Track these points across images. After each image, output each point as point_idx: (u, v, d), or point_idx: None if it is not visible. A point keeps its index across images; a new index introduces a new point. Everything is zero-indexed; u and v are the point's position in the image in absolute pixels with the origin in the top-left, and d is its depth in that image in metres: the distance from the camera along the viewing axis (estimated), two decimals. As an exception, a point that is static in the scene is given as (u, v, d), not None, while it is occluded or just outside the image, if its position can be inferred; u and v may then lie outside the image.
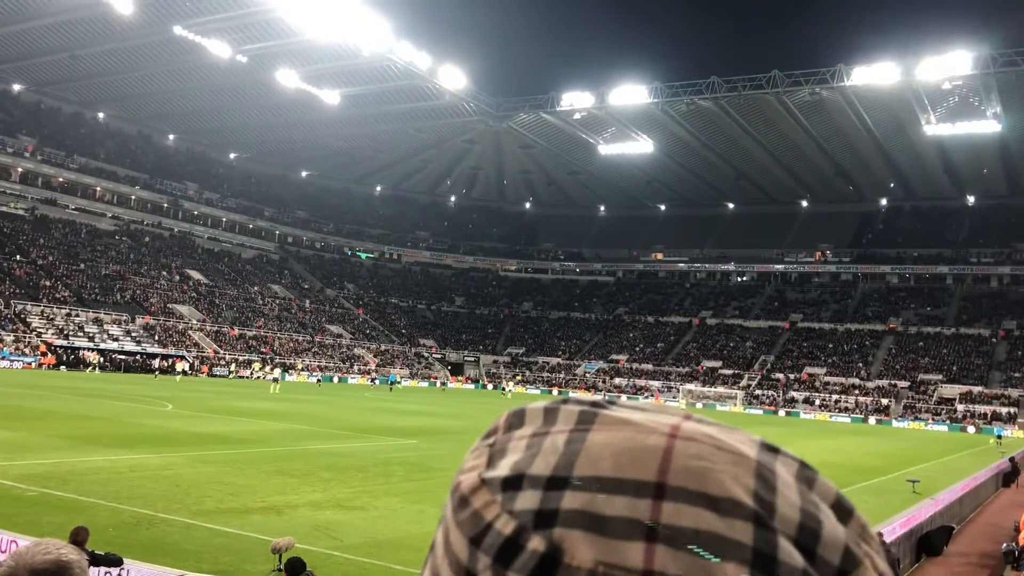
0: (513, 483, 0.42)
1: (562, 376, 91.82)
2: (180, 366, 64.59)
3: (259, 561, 11.20)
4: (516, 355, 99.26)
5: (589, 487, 0.40)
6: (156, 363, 64.55)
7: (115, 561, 8.76)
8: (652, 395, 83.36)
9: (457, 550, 0.42)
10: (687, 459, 0.42)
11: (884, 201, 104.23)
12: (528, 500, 0.41)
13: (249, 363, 72.85)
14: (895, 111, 74.92)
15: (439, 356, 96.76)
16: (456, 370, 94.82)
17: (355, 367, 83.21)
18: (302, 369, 75.32)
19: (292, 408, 39.87)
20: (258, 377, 55.97)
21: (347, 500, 17.13)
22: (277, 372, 61.09)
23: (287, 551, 9.41)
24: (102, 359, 62.92)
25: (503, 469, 0.43)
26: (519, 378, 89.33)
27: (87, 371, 59.80)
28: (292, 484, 18.53)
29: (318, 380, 72.21)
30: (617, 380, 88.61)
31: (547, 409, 0.46)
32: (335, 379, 76.64)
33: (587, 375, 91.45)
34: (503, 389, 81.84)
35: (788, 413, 74.95)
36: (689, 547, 0.39)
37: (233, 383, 61.45)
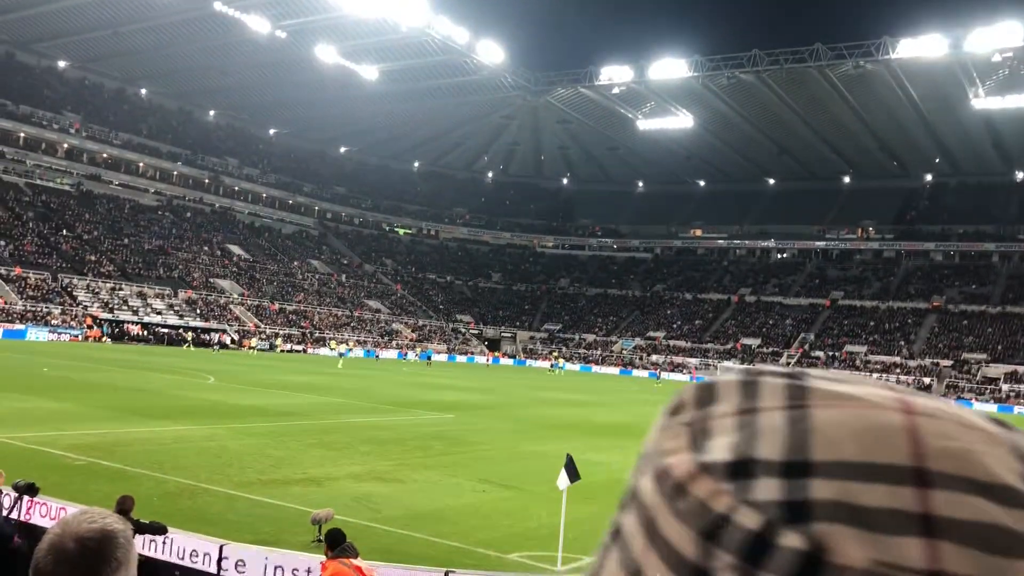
0: (741, 469, 0.37)
1: (598, 352, 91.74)
2: (254, 341, 67.96)
3: (299, 532, 11.39)
4: (553, 331, 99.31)
5: (837, 474, 0.35)
6: (216, 337, 67.35)
7: (159, 529, 8.94)
8: (689, 372, 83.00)
9: (678, 544, 0.37)
10: (938, 439, 0.37)
11: (929, 177, 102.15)
12: (768, 490, 0.36)
13: (286, 337, 73.98)
14: (942, 84, 73.18)
15: (476, 332, 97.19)
16: (493, 346, 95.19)
17: (394, 342, 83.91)
18: (343, 343, 76.24)
19: (332, 382, 40.33)
20: (341, 354, 60.12)
21: (386, 473, 17.32)
22: (343, 347, 64.04)
23: (327, 522, 9.54)
24: (192, 334, 65.88)
25: (721, 452, 0.38)
26: (555, 355, 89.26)
27: (184, 347, 62.12)
28: (332, 457, 18.78)
29: (376, 356, 73.94)
30: (654, 357, 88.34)
31: (743, 383, 0.43)
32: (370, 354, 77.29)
33: (624, 352, 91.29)
34: (553, 366, 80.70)
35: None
36: (977, 543, 0.34)
37: (299, 359, 62.31)
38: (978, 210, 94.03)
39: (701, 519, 0.36)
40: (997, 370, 73.98)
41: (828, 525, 0.34)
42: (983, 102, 74.90)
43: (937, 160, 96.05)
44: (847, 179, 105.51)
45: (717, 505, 0.36)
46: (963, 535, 0.34)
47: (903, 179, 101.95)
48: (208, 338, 66.94)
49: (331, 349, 67.80)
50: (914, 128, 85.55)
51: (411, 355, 77.92)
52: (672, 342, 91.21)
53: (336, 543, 7.68)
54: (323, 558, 7.88)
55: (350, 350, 69.55)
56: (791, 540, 0.34)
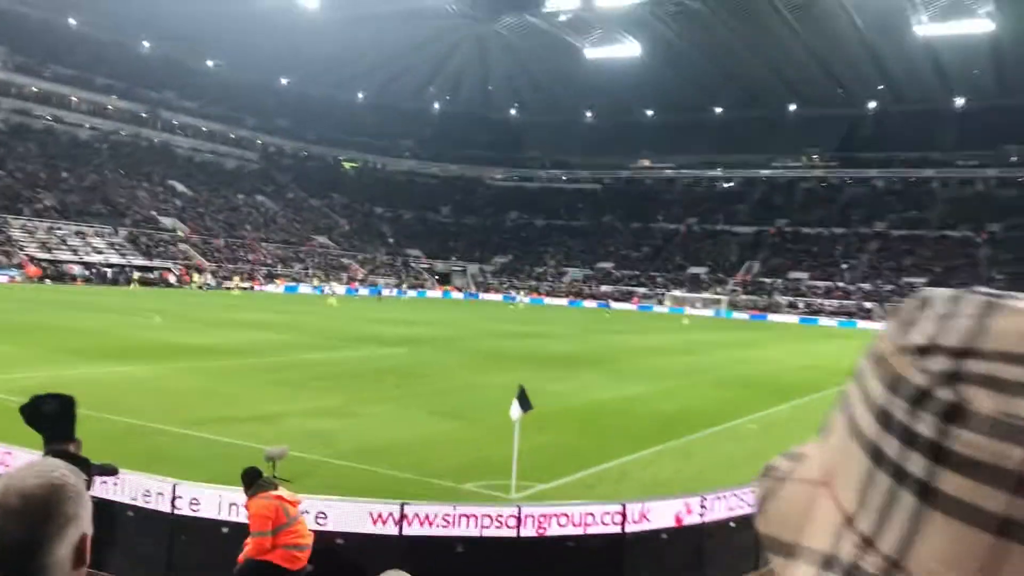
0: (925, 350, 0.51)
1: (549, 284, 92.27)
2: (196, 277, 67.87)
3: (254, 468, 11.38)
4: (503, 264, 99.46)
5: (991, 358, 0.49)
6: (235, 281, 67.45)
7: (110, 471, 8.85)
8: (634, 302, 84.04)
9: (874, 394, 0.52)
10: None
11: (872, 104, 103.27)
12: (938, 363, 0.50)
13: (232, 273, 72.93)
14: (886, 11, 73.53)
15: (426, 266, 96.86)
16: (444, 279, 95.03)
17: (344, 277, 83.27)
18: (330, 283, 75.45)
19: (282, 319, 40.03)
20: (331, 293, 60.60)
21: (339, 408, 17.36)
22: (338, 287, 64.59)
23: (281, 459, 9.55)
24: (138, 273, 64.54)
25: (916, 338, 0.52)
26: (506, 286, 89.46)
27: (130, 287, 60.83)
28: (285, 393, 18.74)
29: (378, 294, 73.67)
30: (604, 287, 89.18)
31: (952, 296, 0.54)
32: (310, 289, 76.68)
33: (574, 282, 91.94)
34: (513, 300, 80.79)
35: (760, 318, 75.79)
36: None
37: (250, 296, 61.45)
38: (920, 137, 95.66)
39: (889, 377, 0.52)
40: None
41: (970, 387, 0.48)
42: (926, 28, 75.48)
43: (881, 88, 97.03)
44: (793, 107, 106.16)
45: (901, 369, 0.51)
46: None
47: (847, 107, 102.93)
48: (153, 276, 65.83)
49: (323, 287, 69.04)
50: (858, 55, 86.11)
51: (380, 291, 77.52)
52: (621, 272, 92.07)
53: (251, 481, 7.69)
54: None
55: (352, 289, 71.75)
56: (944, 393, 0.49)
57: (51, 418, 5.95)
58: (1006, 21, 72.17)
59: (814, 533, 0.55)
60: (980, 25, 73.14)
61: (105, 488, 9.06)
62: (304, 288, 73.88)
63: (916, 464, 0.49)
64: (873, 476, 0.52)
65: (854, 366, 0.57)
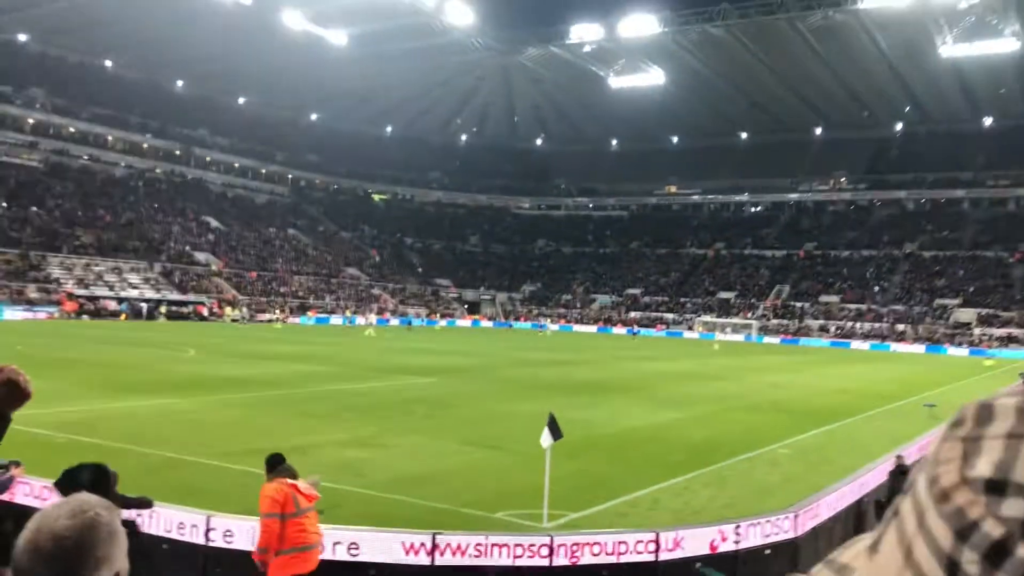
0: (996, 487, 0.45)
1: (577, 311, 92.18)
2: (228, 310, 68.80)
3: (287, 499, 11.47)
4: (532, 292, 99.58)
5: None
6: (277, 314, 69.01)
7: (146, 503, 8.98)
8: (665, 326, 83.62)
9: (939, 537, 0.46)
10: None
11: (899, 126, 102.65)
12: (1015, 508, 0.44)
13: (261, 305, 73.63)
14: (910, 33, 73.25)
15: (456, 295, 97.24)
16: (473, 308, 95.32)
17: (375, 307, 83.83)
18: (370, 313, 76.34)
19: (313, 351, 40.31)
20: (367, 323, 61.18)
21: (370, 438, 17.43)
22: (372, 317, 65.01)
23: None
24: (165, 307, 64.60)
25: (984, 469, 0.46)
26: (535, 313, 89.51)
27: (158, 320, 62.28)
28: (316, 424, 18.86)
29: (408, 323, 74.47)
30: (632, 313, 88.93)
31: (1019, 409, 0.48)
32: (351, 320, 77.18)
33: (603, 309, 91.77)
34: (542, 326, 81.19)
35: (791, 341, 75.06)
36: None
37: (282, 329, 62.07)
38: (948, 157, 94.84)
39: (957, 521, 0.45)
40: (969, 314, 75.18)
41: None
42: (951, 49, 75.03)
43: (907, 109, 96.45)
44: (819, 131, 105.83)
45: (971, 513, 0.45)
46: None
47: (874, 129, 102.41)
48: (187, 311, 66.69)
49: (358, 317, 70.48)
50: (884, 77, 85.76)
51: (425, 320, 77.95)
52: (650, 298, 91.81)
53: (274, 465, 7.77)
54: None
55: (384, 320, 72.56)
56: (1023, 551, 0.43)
57: (86, 488, 6.05)
58: (1034, 39, 71.59)
59: None
60: (1006, 45, 72.62)
61: (140, 520, 9.19)
62: (335, 319, 74.55)
63: None
64: None
65: (910, 481, 0.51)
